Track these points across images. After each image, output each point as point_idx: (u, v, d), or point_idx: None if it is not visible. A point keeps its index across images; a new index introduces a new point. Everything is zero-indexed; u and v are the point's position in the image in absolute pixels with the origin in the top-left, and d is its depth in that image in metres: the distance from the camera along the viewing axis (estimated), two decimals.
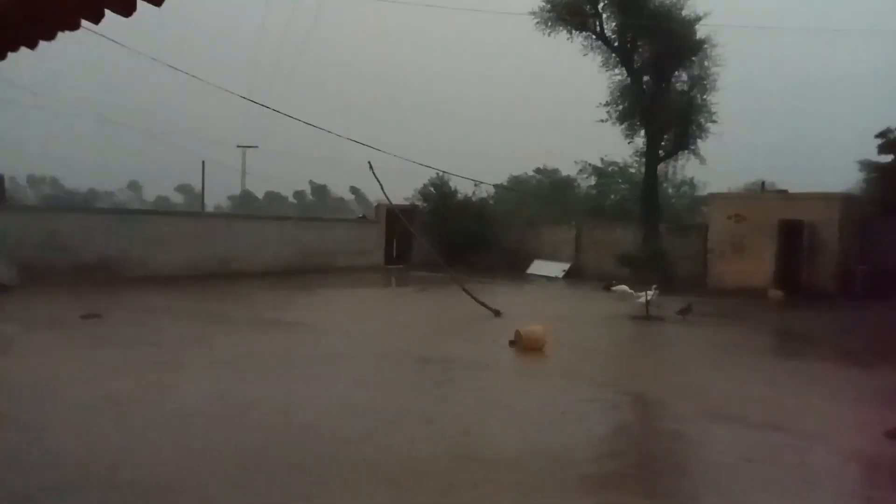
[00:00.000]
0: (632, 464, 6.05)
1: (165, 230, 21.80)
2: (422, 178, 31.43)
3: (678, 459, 6.35)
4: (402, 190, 31.57)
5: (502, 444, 6.22)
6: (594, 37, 25.28)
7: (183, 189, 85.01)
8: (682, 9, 24.12)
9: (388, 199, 18.98)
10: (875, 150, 22.28)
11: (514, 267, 28.09)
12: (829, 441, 6.73)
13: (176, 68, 16.58)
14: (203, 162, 48.56)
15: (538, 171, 45.04)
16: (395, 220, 25.48)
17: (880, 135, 13.70)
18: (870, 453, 6.37)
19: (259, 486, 5.02)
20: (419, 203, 30.00)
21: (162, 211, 45.93)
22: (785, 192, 22.59)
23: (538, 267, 27.92)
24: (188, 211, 45.66)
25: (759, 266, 21.34)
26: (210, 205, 65.33)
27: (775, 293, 19.85)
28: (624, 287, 15.83)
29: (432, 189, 30.00)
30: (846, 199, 21.61)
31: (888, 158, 13.92)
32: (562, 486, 5.24)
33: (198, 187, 54.94)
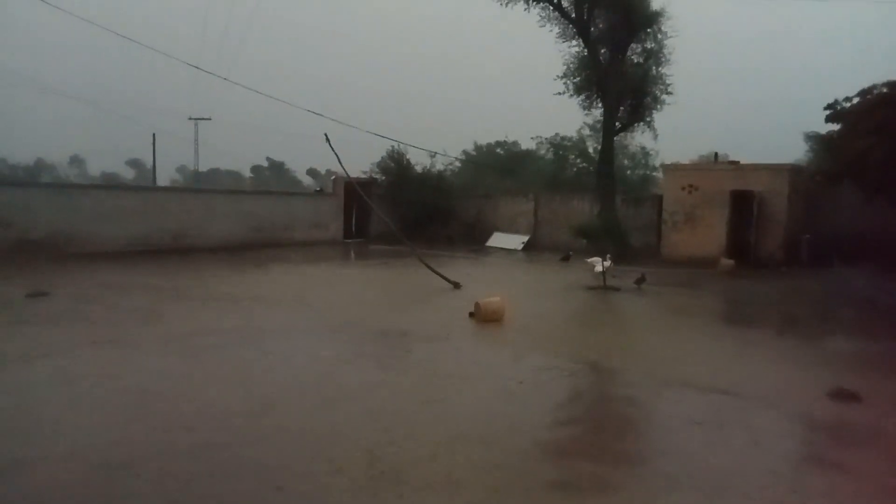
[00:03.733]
0: (587, 429, 6.18)
1: (114, 205, 21.15)
2: (380, 151, 31.12)
3: (632, 424, 6.50)
4: (360, 163, 31.27)
5: (461, 414, 6.27)
6: (551, 7, 25.19)
7: (134, 164, 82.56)
8: None
9: (345, 171, 18.73)
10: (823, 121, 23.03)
11: (473, 239, 28.18)
12: (775, 403, 6.98)
13: (121, 35, 15.89)
14: (154, 135, 47.15)
15: (498, 143, 45.06)
16: (353, 193, 25.22)
17: (829, 106, 14.01)
18: (813, 414, 6.64)
19: (213, 464, 4.96)
20: (377, 176, 29.73)
21: (110, 185, 44.55)
22: (736, 163, 23.07)
23: (498, 239, 28.07)
24: (138, 185, 44.41)
25: (711, 236, 21.85)
26: (162, 179, 63.64)
27: (726, 262, 20.38)
28: (598, 259, 16.00)
29: (390, 162, 29.74)
30: (793, 171, 22.19)
31: (835, 128, 14.27)
32: (518, 453, 5.31)
33: (149, 162, 53.39)
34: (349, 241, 28.09)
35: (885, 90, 13.44)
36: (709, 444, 5.70)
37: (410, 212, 27.24)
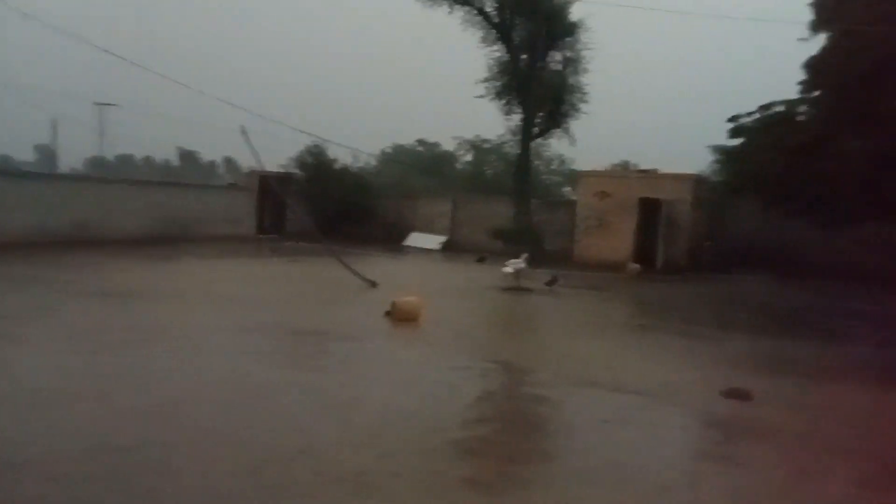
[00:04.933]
0: (498, 428, 6.29)
1: (8, 192, 19.74)
2: (299, 146, 30.53)
3: (541, 423, 6.66)
4: (278, 157, 30.57)
5: (376, 413, 6.24)
6: (475, 11, 25.48)
7: (39, 149, 77.45)
8: None
9: (261, 165, 18.24)
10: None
11: (391, 239, 28.09)
12: (675, 402, 7.33)
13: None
14: (55, 120, 44.42)
15: (420, 142, 45.17)
16: (269, 188, 24.63)
17: (731, 119, 14.85)
18: (709, 411, 7.01)
19: (108, 466, 4.71)
20: (295, 171, 29.14)
21: (4, 170, 41.59)
22: (646, 171, 24.08)
23: (416, 239, 28.10)
24: (36, 172, 41.66)
25: (620, 241, 22.69)
26: (66, 166, 60.02)
27: (633, 267, 21.21)
28: (513, 261, 16.24)
29: (309, 157, 29.22)
30: (698, 180, 23.39)
31: (737, 142, 15.17)
32: (430, 453, 5.33)
33: (51, 147, 50.24)
34: (263, 236, 27.39)
35: (782, 108, 14.35)
36: (614, 441, 5.92)
37: (329, 209, 26.86)
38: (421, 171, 38.41)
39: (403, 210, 29.43)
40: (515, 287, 15.71)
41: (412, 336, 10.20)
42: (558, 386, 7.68)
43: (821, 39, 13.52)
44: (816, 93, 13.61)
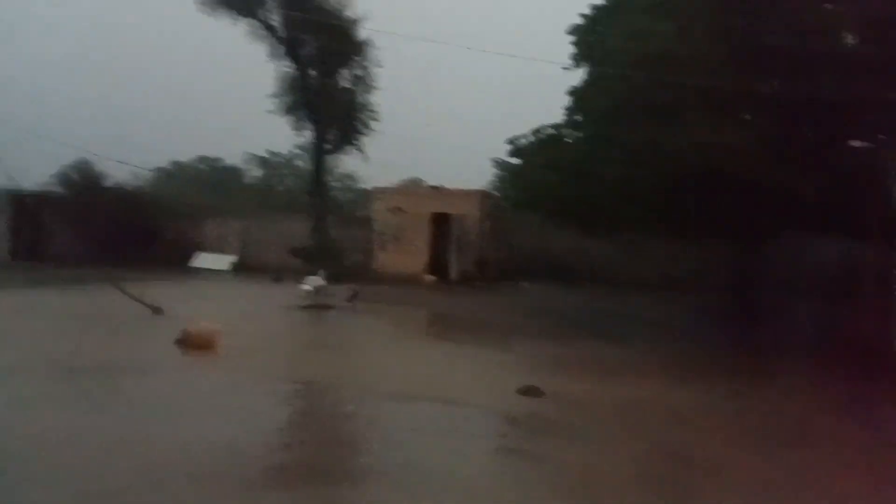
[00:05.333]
0: (311, 450, 6.15)
1: None
2: (61, 161, 27.20)
3: (356, 439, 6.64)
4: (38, 175, 26.98)
5: (178, 449, 5.75)
6: (260, 25, 24.83)
7: None
8: (344, 8, 25.05)
9: (15, 183, 15.99)
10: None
11: (176, 261, 26.14)
12: (478, 405, 7.73)
13: None
14: None
15: (201, 159, 42.67)
16: (25, 208, 21.68)
17: (510, 141, 16.08)
18: (509, 412, 7.50)
19: None
20: (58, 190, 25.95)
21: None
22: (436, 187, 25.17)
23: (203, 260, 26.47)
24: None
25: (415, 255, 23.45)
26: None
27: (428, 278, 22.04)
28: (311, 278, 15.89)
29: (75, 174, 26.21)
30: (484, 196, 25.00)
31: (517, 161, 16.47)
32: (242, 484, 5.05)
33: None
34: (19, 263, 23.97)
35: (551, 131, 15.84)
36: (427, 450, 6.08)
37: (101, 230, 24.29)
38: (204, 188, 36.34)
39: (189, 230, 27.58)
40: (316, 305, 15.48)
41: (209, 364, 9.57)
42: (367, 400, 7.71)
43: (582, 72, 15.27)
44: (579, 118, 15.24)
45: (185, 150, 41.27)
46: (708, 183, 12.02)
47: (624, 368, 10.46)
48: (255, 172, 39.66)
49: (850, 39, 12.94)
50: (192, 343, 10.18)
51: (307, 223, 25.26)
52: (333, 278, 17.64)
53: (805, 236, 15.17)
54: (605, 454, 6.21)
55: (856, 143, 13.33)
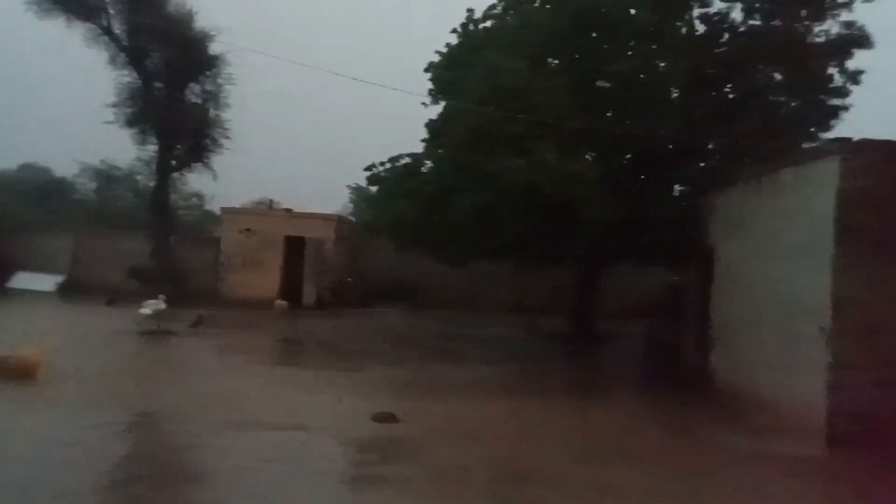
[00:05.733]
0: (151, 486, 5.74)
1: None
2: None
3: (200, 472, 6.31)
4: None
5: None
6: (100, 31, 23.19)
7: None
8: (195, 20, 24.04)
9: None
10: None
11: None
12: (332, 432, 7.65)
13: None
14: None
15: (25, 167, 38.69)
16: None
17: (367, 168, 16.15)
18: (363, 438, 7.48)
19: None
20: None
21: None
22: (290, 210, 24.64)
23: (24, 280, 23.93)
24: None
25: (267, 278, 22.73)
26: None
27: (280, 303, 21.42)
28: (151, 302, 14.80)
29: None
30: (340, 220, 24.84)
31: (374, 188, 16.57)
32: None
33: None
34: None
35: (408, 160, 16.14)
36: (280, 480, 5.91)
37: None
38: (29, 201, 32.96)
39: (10, 247, 24.77)
40: (155, 330, 14.52)
41: (30, 396, 8.66)
42: (214, 431, 7.35)
43: (440, 106, 15.78)
44: (436, 149, 15.69)
45: (4, 157, 37.23)
46: (555, 212, 12.85)
47: (473, 390, 10.77)
48: (90, 186, 36.57)
49: (677, 93, 14.49)
50: (10, 371, 9.19)
51: (148, 243, 23.66)
52: (176, 302, 16.67)
53: (639, 265, 16.62)
54: (453, 476, 6.36)
55: (679, 186, 14.88)
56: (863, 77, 13.93)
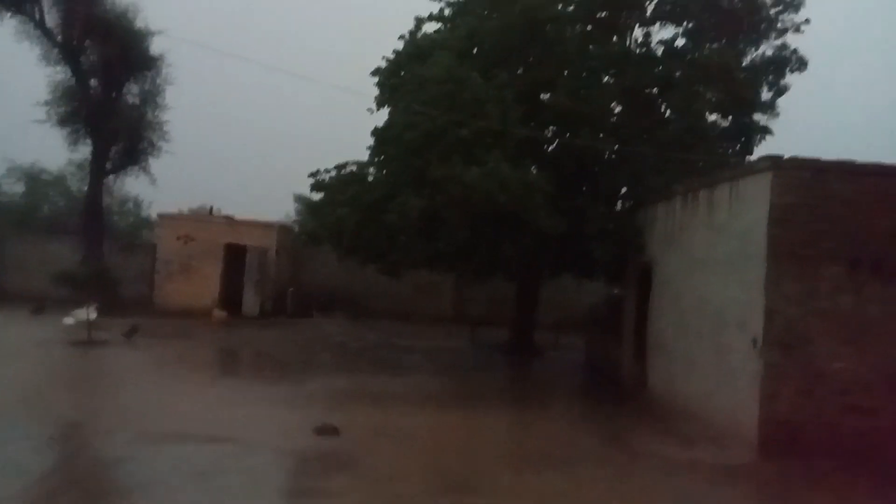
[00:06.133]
0: (75, 501, 5.48)
1: None
2: None
3: (128, 486, 6.05)
4: None
5: None
6: (32, 24, 22.22)
7: None
8: (135, 18, 23.30)
9: None
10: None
11: None
12: (271, 445, 7.46)
13: None
14: None
15: None
16: None
17: (311, 175, 15.93)
18: (303, 450, 7.33)
19: None
20: None
21: None
22: (231, 217, 24.06)
23: None
24: None
25: (205, 287, 22.08)
26: None
27: (219, 313, 20.84)
28: (81, 310, 14.16)
29: None
30: (282, 229, 24.39)
31: (318, 195, 16.33)
32: None
33: None
34: None
35: (354, 168, 16.03)
36: (215, 493, 5.73)
37: None
38: None
39: None
40: (86, 340, 13.91)
41: None
42: (146, 443, 7.09)
43: (385, 112, 15.72)
44: (382, 157, 15.63)
45: None
46: (500, 220, 12.97)
47: (414, 401, 10.71)
48: (17, 188, 34.80)
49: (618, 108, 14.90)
50: None
51: (79, 248, 22.69)
52: (110, 311, 16.04)
53: (579, 278, 16.89)
54: (392, 487, 6.30)
55: (619, 202, 15.23)
56: (789, 93, 14.66)
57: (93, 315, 14.42)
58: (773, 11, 14.33)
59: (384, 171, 15.14)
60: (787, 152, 8.47)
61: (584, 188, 15.00)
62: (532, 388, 13.77)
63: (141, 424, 7.82)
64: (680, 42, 15.02)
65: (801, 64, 14.44)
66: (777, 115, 14.75)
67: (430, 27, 16.27)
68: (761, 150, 14.33)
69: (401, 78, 15.29)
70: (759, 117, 14.69)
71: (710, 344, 9.53)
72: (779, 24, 14.38)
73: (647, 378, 11.96)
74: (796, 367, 8.07)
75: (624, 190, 15.01)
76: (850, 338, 8.08)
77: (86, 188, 25.07)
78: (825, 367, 8.06)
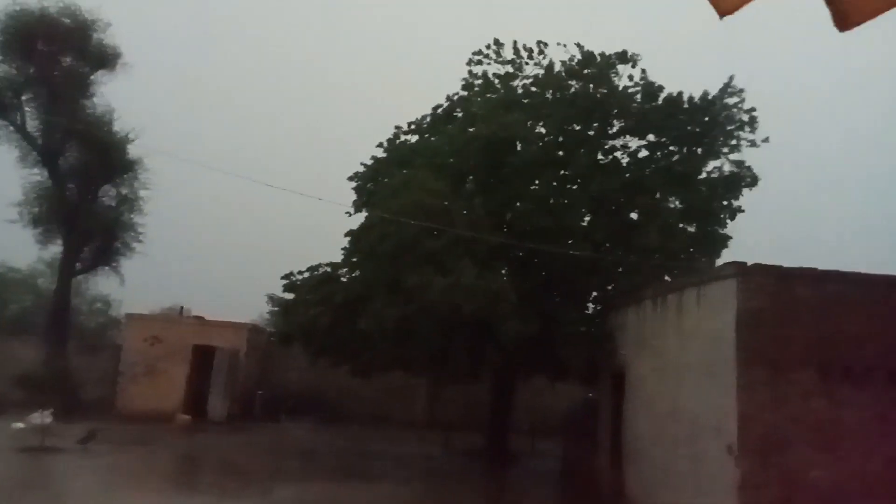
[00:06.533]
0: None
1: None
2: None
3: None
4: None
5: None
6: (12, 128, 22.59)
7: None
8: (113, 123, 23.82)
9: None
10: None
11: None
12: None
13: None
14: None
15: None
16: None
17: (285, 277, 15.95)
18: None
19: None
20: None
21: None
22: (201, 318, 23.68)
23: None
24: None
25: (171, 390, 21.36)
26: None
27: (183, 417, 20.07)
28: (35, 415, 13.52)
29: None
30: (253, 330, 24.00)
31: (291, 296, 16.28)
32: None
33: None
34: None
35: (328, 269, 16.07)
36: None
37: None
38: None
39: None
40: (38, 447, 13.21)
41: None
42: None
43: (362, 216, 16.00)
44: (355, 259, 15.74)
45: None
46: (473, 327, 12.92)
47: None
48: None
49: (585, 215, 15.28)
50: None
51: (41, 349, 22.00)
52: (69, 414, 15.36)
53: (553, 382, 16.70)
54: None
55: (590, 304, 15.34)
56: (741, 214, 15.10)
57: (47, 419, 13.79)
58: (728, 128, 15.10)
59: (358, 272, 15.19)
60: (751, 258, 8.69)
61: (556, 292, 15.12)
62: (507, 498, 13.26)
63: None
64: (643, 154, 15.71)
65: (754, 181, 15.00)
66: (727, 225, 15.08)
67: (407, 135, 16.92)
68: (728, 257, 14.69)
69: (378, 183, 15.67)
70: (718, 227, 15.14)
71: (687, 451, 9.35)
72: (732, 141, 15.10)
73: (624, 486, 11.60)
74: (773, 475, 7.91)
75: (596, 293, 15.16)
76: (825, 444, 7.99)
77: (54, 287, 24.67)
78: (802, 475, 7.92)
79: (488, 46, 16.42)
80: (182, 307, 26.22)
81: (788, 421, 8.06)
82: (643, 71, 15.44)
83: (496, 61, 16.46)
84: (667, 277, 12.25)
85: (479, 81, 16.57)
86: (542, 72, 16.12)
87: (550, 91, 15.84)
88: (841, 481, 7.88)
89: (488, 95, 16.28)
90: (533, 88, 16.11)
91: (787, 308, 8.32)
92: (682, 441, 9.50)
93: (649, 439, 10.80)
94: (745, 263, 8.63)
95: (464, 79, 16.69)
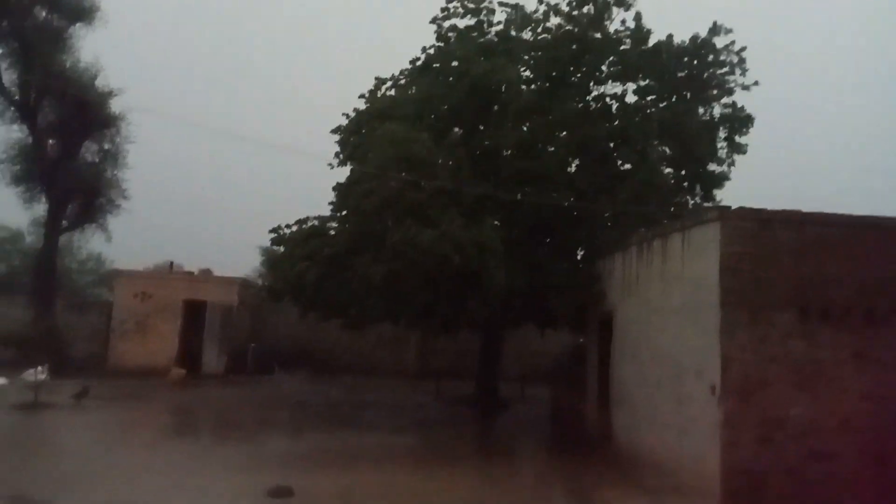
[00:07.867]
0: None
1: None
2: None
3: None
4: None
5: None
6: None
7: None
8: (94, 78, 23.30)
9: None
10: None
11: None
12: None
13: None
14: None
15: None
16: None
17: (273, 230, 15.82)
18: None
19: None
20: None
21: None
22: (191, 273, 23.65)
23: None
24: None
25: (163, 345, 21.51)
26: None
27: (176, 372, 20.25)
28: (29, 371, 13.62)
29: None
30: (243, 284, 24.01)
31: (279, 250, 16.21)
32: None
33: None
34: None
35: (315, 223, 15.95)
36: None
37: None
38: None
39: None
40: (32, 403, 13.33)
41: None
42: None
43: (347, 170, 15.80)
44: (343, 213, 15.61)
45: None
46: (461, 279, 12.92)
47: (377, 459, 10.43)
48: None
49: (574, 164, 15.19)
50: None
51: (30, 308, 21.98)
52: (60, 371, 15.47)
53: (542, 329, 16.85)
54: None
55: (578, 253, 15.37)
56: (747, 149, 15.15)
57: (41, 376, 13.91)
58: (719, 72, 14.93)
59: (346, 226, 15.10)
60: (740, 202, 8.70)
61: (542, 241, 15.12)
62: (498, 444, 13.55)
63: (83, 494, 7.44)
64: (631, 99, 15.52)
65: (749, 122, 14.97)
66: (733, 164, 15.19)
67: (388, 87, 16.57)
68: (727, 196, 14.80)
69: (361, 136, 15.44)
70: (716, 167, 15.14)
71: (670, 393, 9.52)
72: (727, 85, 14.96)
73: (612, 429, 11.85)
74: (755, 413, 8.08)
75: (582, 240, 15.17)
76: (804, 383, 8.15)
77: (41, 247, 24.53)
78: (783, 413, 8.09)
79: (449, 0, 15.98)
80: (171, 263, 26.14)
81: (769, 361, 8.20)
82: (637, 14, 15.10)
83: (463, 14, 16.01)
84: (655, 224, 12.25)
85: (453, 34, 16.15)
86: (514, 13, 15.77)
87: (529, 32, 15.55)
88: (819, 418, 8.08)
89: (464, 44, 15.90)
90: (512, 32, 15.78)
91: (769, 251, 8.37)
92: (667, 383, 9.67)
93: (635, 383, 10.99)
94: (728, 208, 8.67)
95: (435, 32, 16.26)
